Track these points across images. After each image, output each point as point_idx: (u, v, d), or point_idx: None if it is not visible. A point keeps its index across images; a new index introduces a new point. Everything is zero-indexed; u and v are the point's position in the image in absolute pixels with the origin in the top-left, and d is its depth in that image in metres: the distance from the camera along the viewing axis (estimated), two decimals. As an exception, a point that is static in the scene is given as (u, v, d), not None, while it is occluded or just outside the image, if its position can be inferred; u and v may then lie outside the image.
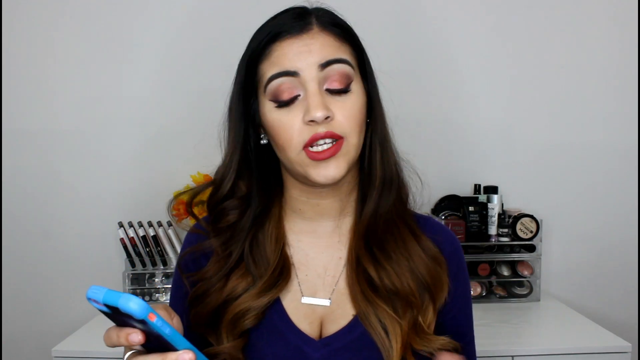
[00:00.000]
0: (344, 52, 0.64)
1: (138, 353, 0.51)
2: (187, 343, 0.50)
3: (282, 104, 0.63)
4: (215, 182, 0.71)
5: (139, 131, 1.59)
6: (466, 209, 1.50)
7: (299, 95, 0.63)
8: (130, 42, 1.57)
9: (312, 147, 0.62)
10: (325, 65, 0.62)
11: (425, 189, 0.76)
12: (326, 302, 0.69)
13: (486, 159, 1.61)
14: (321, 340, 0.67)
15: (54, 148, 1.59)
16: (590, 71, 1.59)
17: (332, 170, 0.63)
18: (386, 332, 0.64)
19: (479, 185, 1.58)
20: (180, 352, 0.49)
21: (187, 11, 1.56)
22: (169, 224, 1.53)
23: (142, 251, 1.52)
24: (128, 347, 0.53)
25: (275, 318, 0.68)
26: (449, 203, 1.51)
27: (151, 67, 1.58)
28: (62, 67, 1.57)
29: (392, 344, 0.64)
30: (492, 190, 1.54)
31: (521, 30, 1.58)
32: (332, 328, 0.68)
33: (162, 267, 1.52)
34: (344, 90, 0.63)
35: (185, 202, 1.44)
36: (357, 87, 0.65)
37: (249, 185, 0.71)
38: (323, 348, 0.66)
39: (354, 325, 0.67)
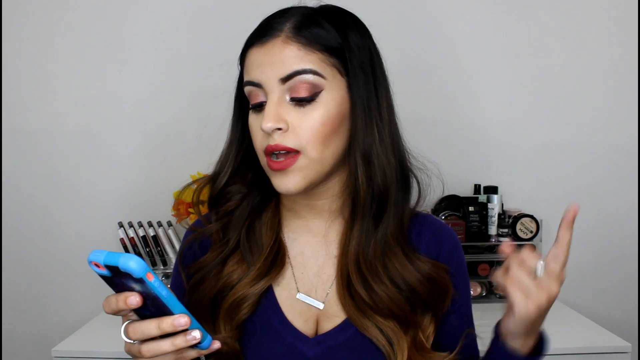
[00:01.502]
0: (309, 62, 0.61)
1: (135, 321, 0.52)
2: (183, 308, 0.51)
3: (252, 107, 0.65)
4: (213, 176, 0.72)
5: (139, 131, 1.59)
6: (466, 209, 1.50)
7: (265, 101, 0.63)
8: (130, 42, 1.57)
9: (271, 155, 0.63)
10: (287, 78, 0.61)
11: (430, 189, 0.74)
12: (319, 305, 0.69)
13: (486, 159, 1.62)
14: (315, 338, 0.67)
15: (54, 148, 1.59)
16: (590, 71, 1.59)
17: (289, 182, 0.63)
18: (391, 344, 0.64)
19: (479, 185, 1.58)
20: (176, 316, 0.50)
21: (186, 11, 1.57)
22: (169, 224, 1.53)
23: (142, 251, 1.52)
24: (125, 317, 0.54)
25: (270, 313, 0.68)
26: (449, 203, 1.51)
27: (151, 67, 1.58)
28: (62, 67, 1.57)
29: (398, 356, 0.64)
30: (492, 190, 1.54)
31: (521, 30, 1.58)
32: (327, 326, 0.68)
33: (162, 267, 1.52)
34: (307, 100, 0.61)
35: (185, 202, 1.44)
36: (330, 96, 0.62)
37: (252, 174, 0.72)
38: (317, 346, 0.66)
39: (350, 324, 0.67)
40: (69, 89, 1.58)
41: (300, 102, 0.62)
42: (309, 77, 0.61)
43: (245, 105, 0.68)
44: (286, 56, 0.61)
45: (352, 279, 0.66)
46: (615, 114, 1.60)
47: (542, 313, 0.59)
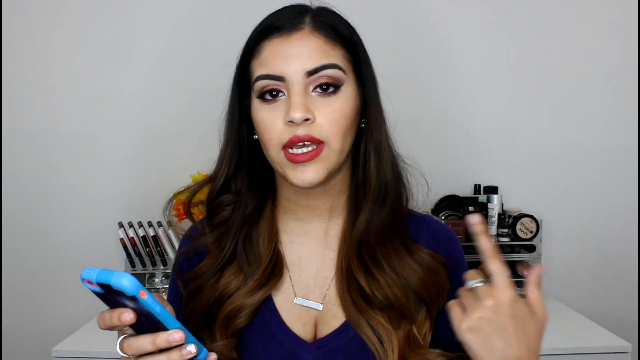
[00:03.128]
0: (334, 56, 0.62)
1: (130, 336, 0.52)
2: (178, 323, 0.51)
3: (267, 100, 0.63)
4: (211, 178, 0.72)
5: (138, 131, 1.59)
6: (466, 209, 1.50)
7: (283, 93, 0.62)
8: (130, 42, 1.57)
9: (291, 148, 0.61)
10: (313, 72, 0.61)
11: (429, 189, 0.74)
12: (318, 307, 0.69)
13: (486, 159, 1.61)
14: (314, 343, 0.67)
15: (54, 148, 1.59)
16: (590, 71, 1.59)
17: (310, 174, 0.62)
18: (381, 342, 0.64)
19: (479, 185, 1.58)
20: (170, 331, 0.50)
21: (186, 11, 1.57)
22: (169, 224, 1.53)
23: (142, 251, 1.52)
24: (121, 332, 0.54)
25: (268, 319, 0.68)
26: (449, 203, 1.51)
27: (151, 67, 1.58)
28: (62, 67, 1.57)
29: (389, 354, 0.63)
30: (492, 190, 1.54)
31: (521, 30, 1.58)
32: (325, 330, 0.68)
33: (162, 267, 1.52)
34: (331, 92, 0.62)
35: (183, 202, 1.44)
36: (348, 91, 0.63)
37: (243, 182, 0.71)
38: (316, 350, 0.66)
39: (348, 327, 0.67)
40: (68, 89, 1.58)
41: (322, 94, 0.62)
42: (334, 71, 0.62)
43: (243, 100, 0.67)
44: (314, 48, 0.61)
45: (352, 265, 0.66)
46: (615, 114, 1.60)
47: (484, 341, 0.53)
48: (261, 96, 0.63)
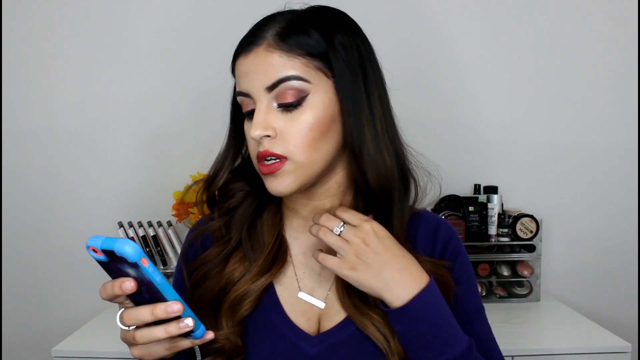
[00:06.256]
0: (291, 67, 0.61)
1: (130, 308, 0.53)
2: (177, 295, 0.52)
3: (245, 115, 0.66)
4: (208, 179, 0.72)
5: (139, 131, 1.59)
6: (466, 209, 1.50)
7: (255, 109, 0.64)
8: (130, 42, 1.58)
9: (262, 160, 0.64)
10: (272, 87, 0.61)
11: (429, 186, 0.73)
12: (321, 305, 0.69)
13: (486, 159, 1.62)
14: (317, 336, 0.67)
15: (54, 148, 1.59)
16: (590, 71, 1.59)
17: (278, 185, 0.64)
18: (387, 340, 0.64)
19: (479, 185, 1.58)
20: (169, 302, 0.51)
21: (186, 11, 1.57)
22: (169, 224, 1.53)
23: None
24: (122, 305, 0.55)
25: (272, 313, 0.69)
26: (449, 203, 1.52)
27: (151, 67, 1.58)
28: (62, 67, 1.58)
29: (394, 351, 0.64)
30: (492, 190, 1.54)
31: (521, 30, 1.58)
32: (328, 324, 0.68)
33: (162, 267, 1.52)
34: (293, 105, 0.62)
35: (186, 202, 1.44)
36: (316, 100, 0.62)
37: (254, 174, 0.72)
38: (319, 344, 0.66)
39: (350, 321, 0.67)
40: (69, 89, 1.58)
41: (287, 108, 0.62)
42: (294, 83, 0.61)
43: (241, 112, 0.69)
44: (269, 64, 0.61)
45: (347, 283, 0.66)
46: (615, 114, 1.60)
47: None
48: (243, 111, 0.66)
